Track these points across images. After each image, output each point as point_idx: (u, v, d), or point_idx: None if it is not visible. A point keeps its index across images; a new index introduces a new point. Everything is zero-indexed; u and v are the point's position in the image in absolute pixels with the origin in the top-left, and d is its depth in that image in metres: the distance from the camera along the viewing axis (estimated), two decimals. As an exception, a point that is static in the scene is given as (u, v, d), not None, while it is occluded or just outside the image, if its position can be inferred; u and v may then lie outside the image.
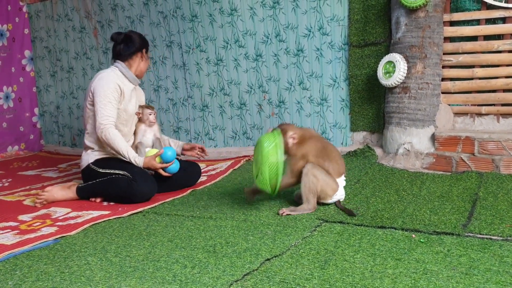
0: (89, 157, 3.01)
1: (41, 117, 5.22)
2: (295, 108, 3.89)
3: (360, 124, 3.66)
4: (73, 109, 4.98)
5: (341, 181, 2.54)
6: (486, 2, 3.12)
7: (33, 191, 3.26)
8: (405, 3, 3.16)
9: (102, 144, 2.96)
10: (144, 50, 3.12)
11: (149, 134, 3.13)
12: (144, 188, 2.81)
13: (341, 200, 2.56)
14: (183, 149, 3.28)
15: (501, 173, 2.93)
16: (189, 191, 3.04)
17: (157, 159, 2.88)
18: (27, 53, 5.10)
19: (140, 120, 3.14)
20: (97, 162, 2.97)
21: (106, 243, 2.15)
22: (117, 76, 3.00)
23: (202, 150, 3.28)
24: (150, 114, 3.11)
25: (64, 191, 2.96)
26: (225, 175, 3.43)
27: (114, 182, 2.84)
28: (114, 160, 2.94)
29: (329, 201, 2.53)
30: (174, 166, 2.94)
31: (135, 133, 3.14)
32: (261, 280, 1.68)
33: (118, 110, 2.98)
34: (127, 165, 2.90)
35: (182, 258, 1.92)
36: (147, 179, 2.86)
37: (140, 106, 3.14)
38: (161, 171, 2.90)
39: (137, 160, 2.89)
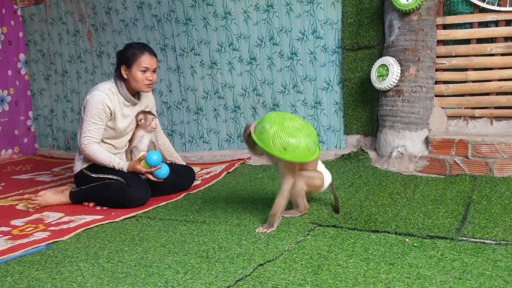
0: (82, 161, 3.00)
1: (35, 121, 5.20)
2: (289, 111, 3.89)
3: (353, 127, 3.66)
4: (67, 113, 4.96)
5: (320, 165, 2.49)
6: (478, 6, 3.13)
7: (26, 196, 3.25)
8: (398, 7, 3.16)
9: None
10: (123, 67, 2.92)
11: (145, 140, 3.11)
12: (137, 193, 2.80)
13: (330, 181, 2.51)
14: None
15: (495, 176, 2.93)
16: (182, 195, 3.02)
17: (142, 163, 2.85)
18: (21, 56, 5.08)
19: (138, 126, 3.10)
20: (90, 167, 2.96)
21: (98, 248, 2.14)
22: (107, 95, 2.90)
23: None
24: (152, 120, 3.09)
25: (57, 195, 2.95)
26: (219, 178, 3.42)
27: (107, 187, 2.83)
28: (110, 169, 2.93)
29: (323, 190, 2.50)
30: (163, 171, 2.87)
31: (131, 140, 3.12)
32: (253, 285, 1.68)
33: (106, 126, 2.95)
34: (120, 170, 2.90)
35: (174, 263, 1.91)
36: (141, 184, 2.85)
37: (142, 112, 3.08)
38: (150, 176, 2.87)
39: (121, 165, 2.88)
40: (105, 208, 2.85)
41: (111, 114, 2.92)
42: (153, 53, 2.96)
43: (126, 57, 2.91)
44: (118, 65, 2.97)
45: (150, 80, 2.93)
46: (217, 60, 4.09)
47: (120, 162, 2.89)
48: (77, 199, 2.94)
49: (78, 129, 3.07)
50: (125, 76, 2.93)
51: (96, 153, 2.87)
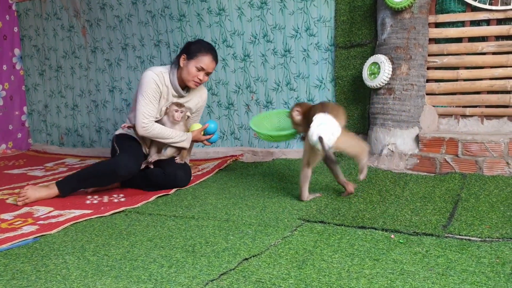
0: (121, 129, 3.24)
1: (29, 116, 5.20)
2: (282, 108, 3.89)
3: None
4: (61, 108, 4.96)
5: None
6: (470, 4, 3.13)
7: (17, 190, 3.24)
8: (390, 5, 3.17)
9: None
10: (184, 56, 3.06)
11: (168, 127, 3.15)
12: (126, 160, 2.91)
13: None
14: None
15: (484, 174, 2.94)
16: (173, 190, 3.03)
17: (202, 132, 3.18)
18: (16, 51, 5.07)
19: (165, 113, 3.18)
20: (119, 136, 3.19)
21: (85, 242, 2.14)
22: (157, 76, 3.04)
23: None
24: (176, 111, 3.09)
25: (43, 188, 2.91)
26: (211, 175, 3.43)
27: (96, 165, 3.02)
28: (129, 140, 3.14)
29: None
30: (215, 138, 3.25)
31: None
32: (237, 279, 1.68)
33: None
34: (129, 146, 3.08)
35: (160, 257, 1.92)
36: (132, 154, 2.99)
37: (172, 103, 3.14)
38: (206, 142, 3.22)
39: (185, 136, 3.12)
40: (95, 202, 2.85)
41: (160, 95, 3.07)
42: (216, 59, 3.11)
43: (191, 49, 3.07)
44: (180, 52, 3.13)
45: (200, 79, 3.07)
46: (210, 56, 4.09)
47: (183, 134, 3.13)
48: (67, 187, 2.93)
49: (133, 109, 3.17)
50: (181, 64, 3.07)
51: (160, 131, 3.04)
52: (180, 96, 3.16)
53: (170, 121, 3.13)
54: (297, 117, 2.75)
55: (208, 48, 3.08)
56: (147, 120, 3.00)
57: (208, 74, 3.11)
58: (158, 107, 3.07)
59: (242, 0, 3.89)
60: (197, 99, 3.27)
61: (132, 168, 2.93)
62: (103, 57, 4.60)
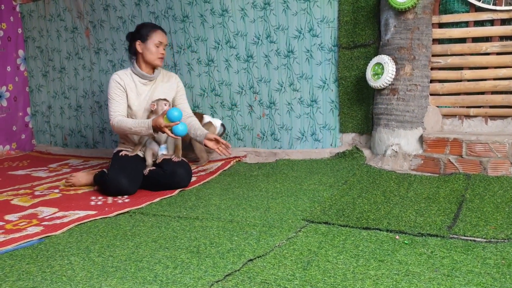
0: (117, 146, 3.41)
1: (33, 117, 5.21)
2: (286, 109, 3.89)
3: (349, 126, 3.67)
4: (65, 109, 4.97)
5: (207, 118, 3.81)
6: (474, 5, 3.13)
7: (21, 191, 3.26)
8: (394, 5, 3.16)
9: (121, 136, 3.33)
10: (138, 42, 3.19)
11: None
12: (119, 179, 2.98)
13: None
14: (207, 139, 3.24)
15: (489, 175, 2.93)
16: (177, 191, 3.03)
17: (164, 119, 2.96)
18: (20, 52, 5.09)
19: (152, 112, 3.18)
20: (116, 153, 3.30)
21: (90, 243, 2.14)
22: (118, 75, 3.19)
23: (227, 147, 3.26)
24: (165, 105, 3.15)
25: (88, 176, 3.30)
26: (214, 176, 3.43)
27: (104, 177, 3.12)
28: (119, 158, 3.20)
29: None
30: (180, 127, 2.96)
31: None
32: (242, 280, 1.68)
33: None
34: (118, 161, 3.14)
35: (165, 258, 1.92)
36: (126, 173, 3.03)
37: (157, 100, 3.19)
38: (167, 131, 2.95)
39: (147, 122, 3.03)
40: (99, 203, 2.86)
41: (124, 90, 3.19)
42: (164, 31, 3.29)
43: (141, 32, 3.21)
44: (131, 42, 3.24)
45: (162, 54, 3.23)
46: (214, 57, 4.10)
47: (145, 120, 3.05)
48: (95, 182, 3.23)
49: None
50: (140, 50, 3.20)
51: (123, 122, 3.09)
52: (150, 80, 3.27)
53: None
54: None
55: (154, 25, 3.28)
56: (111, 116, 3.15)
57: (164, 47, 3.26)
58: (124, 100, 3.18)
59: (245, 1, 3.89)
60: (167, 85, 3.35)
61: (128, 187, 3.03)
62: (107, 58, 4.61)
